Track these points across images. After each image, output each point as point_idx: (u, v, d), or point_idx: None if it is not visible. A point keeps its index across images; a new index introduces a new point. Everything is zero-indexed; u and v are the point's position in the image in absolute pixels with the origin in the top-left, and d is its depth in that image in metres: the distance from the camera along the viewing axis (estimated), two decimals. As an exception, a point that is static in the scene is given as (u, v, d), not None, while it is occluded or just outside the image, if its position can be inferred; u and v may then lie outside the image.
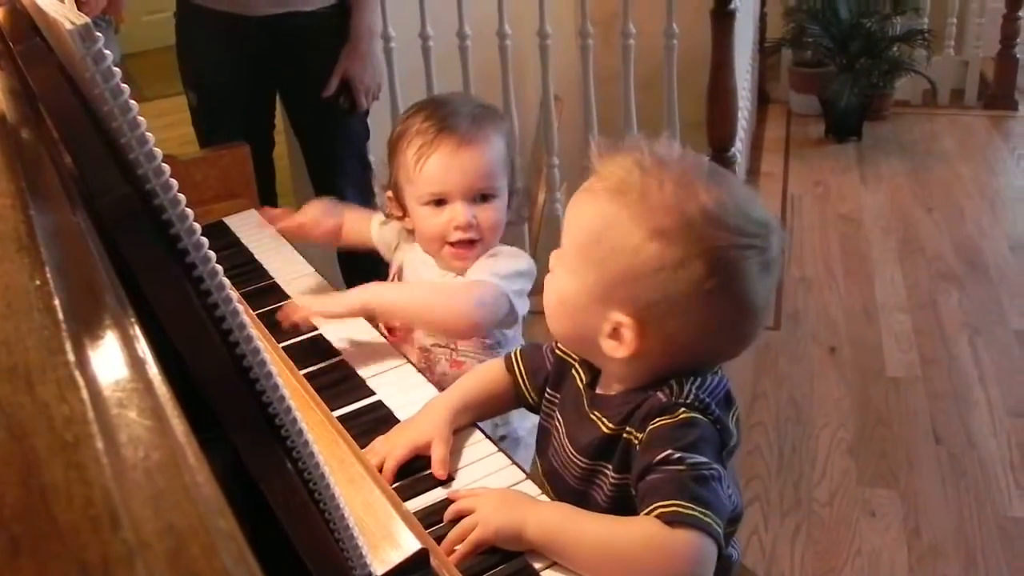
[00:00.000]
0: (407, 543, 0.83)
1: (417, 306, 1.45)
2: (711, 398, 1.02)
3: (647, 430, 1.00)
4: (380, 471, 1.12)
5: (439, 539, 0.97)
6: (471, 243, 1.48)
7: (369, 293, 1.45)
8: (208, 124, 2.35)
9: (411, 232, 1.56)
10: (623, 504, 1.03)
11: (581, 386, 1.13)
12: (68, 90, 0.74)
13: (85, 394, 0.34)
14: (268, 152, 2.56)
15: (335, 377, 1.37)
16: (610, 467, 1.05)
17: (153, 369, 0.39)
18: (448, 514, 1.03)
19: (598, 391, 1.10)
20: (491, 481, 1.13)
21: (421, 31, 3.08)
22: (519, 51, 3.35)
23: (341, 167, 2.53)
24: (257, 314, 1.51)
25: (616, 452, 1.04)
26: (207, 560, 0.27)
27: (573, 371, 1.15)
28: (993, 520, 2.20)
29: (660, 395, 1.01)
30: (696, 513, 0.92)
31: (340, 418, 1.24)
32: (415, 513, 1.02)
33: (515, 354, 1.28)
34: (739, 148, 3.33)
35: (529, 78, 3.68)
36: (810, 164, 4.32)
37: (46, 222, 0.49)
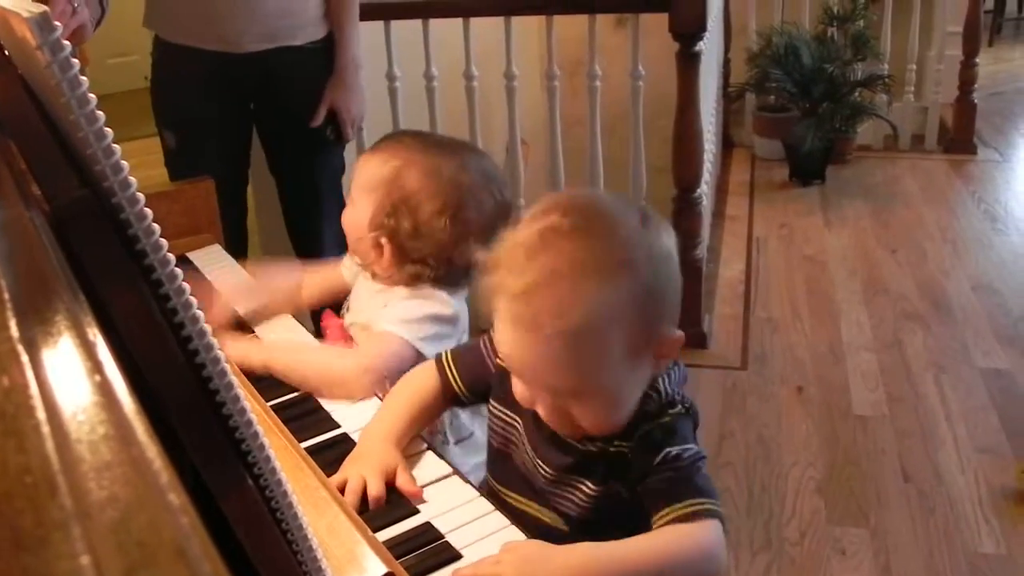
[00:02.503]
0: (372, 567, 0.81)
1: (304, 367, 1.40)
2: (680, 388, 1.10)
3: (636, 437, 1.06)
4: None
5: (407, 567, 0.94)
6: None
7: (268, 354, 1.42)
8: (186, 164, 2.31)
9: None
10: (599, 511, 1.07)
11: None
12: (26, 99, 0.72)
13: (28, 369, 0.32)
14: (243, 191, 2.54)
15: (300, 410, 1.34)
16: (588, 482, 1.08)
17: (104, 350, 0.37)
18: None
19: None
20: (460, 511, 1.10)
21: (388, 71, 3.09)
22: (486, 95, 3.36)
23: (320, 204, 2.51)
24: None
25: (598, 467, 1.08)
26: (155, 533, 0.25)
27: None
28: (963, 556, 2.19)
29: (644, 407, 1.07)
30: (707, 505, 1.01)
31: (306, 450, 1.20)
32: (383, 542, 0.99)
33: (446, 357, 1.26)
34: (705, 191, 3.35)
35: (496, 122, 3.69)
36: (775, 207, 4.36)
37: (-5, 216, 0.47)
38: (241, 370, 1.39)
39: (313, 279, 1.69)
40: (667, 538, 1.00)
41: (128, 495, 0.27)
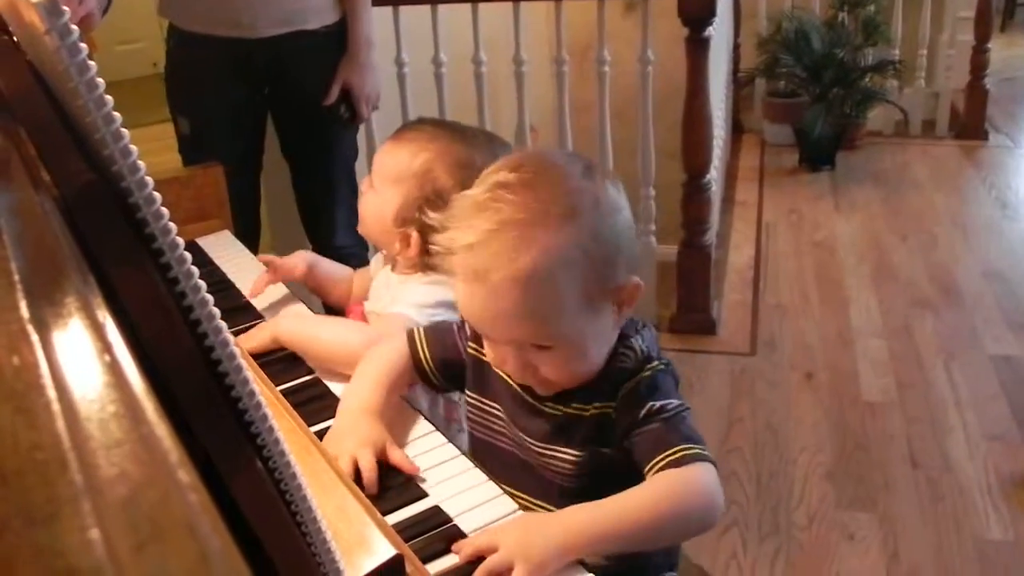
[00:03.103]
0: (381, 549, 0.81)
1: (312, 340, 1.40)
2: (655, 347, 1.12)
3: (619, 396, 1.08)
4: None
5: (416, 550, 0.95)
6: None
7: (277, 327, 1.42)
8: (200, 151, 2.32)
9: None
10: (587, 477, 1.09)
11: (516, 385, 1.15)
12: (35, 84, 0.72)
13: (38, 349, 0.32)
14: (257, 176, 2.55)
15: (309, 395, 1.34)
16: (569, 449, 1.10)
17: (113, 331, 0.37)
18: (464, 555, 0.98)
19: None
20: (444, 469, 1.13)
21: (396, 57, 3.08)
22: (495, 80, 3.36)
23: (333, 189, 2.52)
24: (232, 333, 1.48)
25: (578, 431, 1.10)
26: (165, 509, 0.26)
27: (499, 374, 1.17)
28: (971, 543, 2.19)
29: (620, 364, 1.09)
30: (695, 449, 1.02)
31: (316, 435, 1.21)
32: (391, 525, 0.99)
33: (418, 334, 1.27)
34: (714, 176, 3.34)
35: (505, 107, 3.69)
36: (784, 192, 4.35)
37: (6, 200, 0.47)
38: (251, 347, 1.40)
39: (360, 279, 1.71)
40: (661, 485, 1.01)
41: (138, 472, 0.27)
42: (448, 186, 1.44)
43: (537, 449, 1.13)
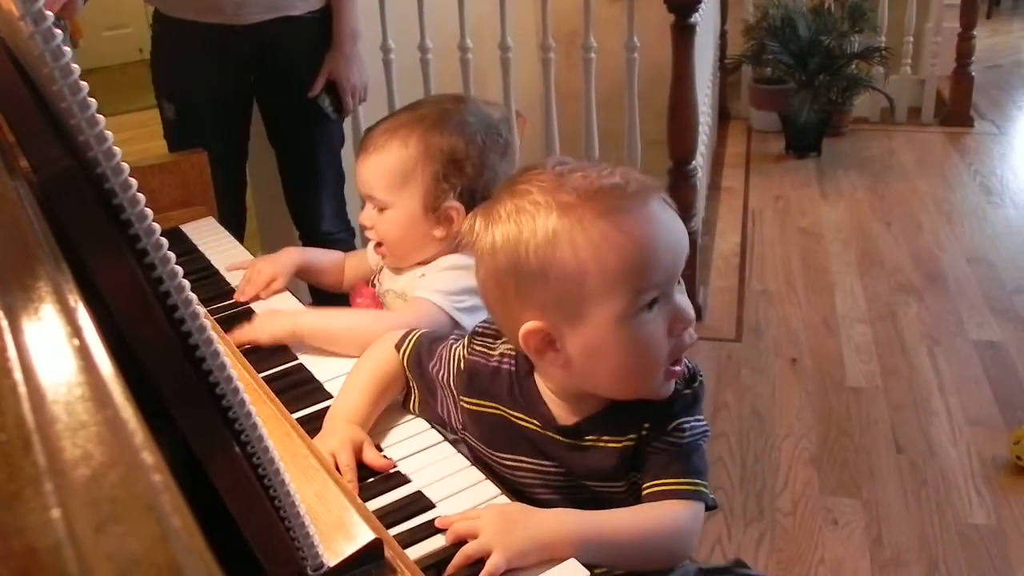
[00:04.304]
0: (360, 534, 0.82)
1: (339, 331, 1.38)
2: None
3: (671, 402, 1.08)
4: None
5: (397, 535, 0.95)
6: (378, 243, 1.52)
7: (294, 320, 1.40)
8: (186, 136, 2.32)
9: None
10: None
11: (538, 427, 1.11)
12: (13, 71, 0.72)
13: (7, 333, 0.33)
14: (243, 163, 2.54)
15: (292, 380, 1.35)
16: (639, 473, 1.08)
17: (84, 316, 0.38)
18: (449, 539, 0.98)
19: (578, 419, 1.10)
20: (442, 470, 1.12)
21: (382, 44, 3.08)
22: (481, 66, 3.35)
23: (319, 176, 2.52)
24: (216, 320, 1.48)
25: (641, 456, 1.08)
26: (126, 489, 0.26)
27: (514, 419, 1.13)
28: (954, 527, 2.21)
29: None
30: (698, 486, 1.04)
31: (298, 421, 1.21)
32: (373, 511, 1.00)
33: (406, 347, 1.24)
34: (700, 163, 3.35)
35: (491, 93, 3.68)
36: (770, 179, 4.36)
37: (-21, 186, 0.47)
38: (267, 339, 1.39)
39: (352, 262, 1.70)
40: (649, 513, 1.03)
41: (101, 453, 0.27)
42: (452, 142, 1.43)
43: (616, 489, 1.09)
